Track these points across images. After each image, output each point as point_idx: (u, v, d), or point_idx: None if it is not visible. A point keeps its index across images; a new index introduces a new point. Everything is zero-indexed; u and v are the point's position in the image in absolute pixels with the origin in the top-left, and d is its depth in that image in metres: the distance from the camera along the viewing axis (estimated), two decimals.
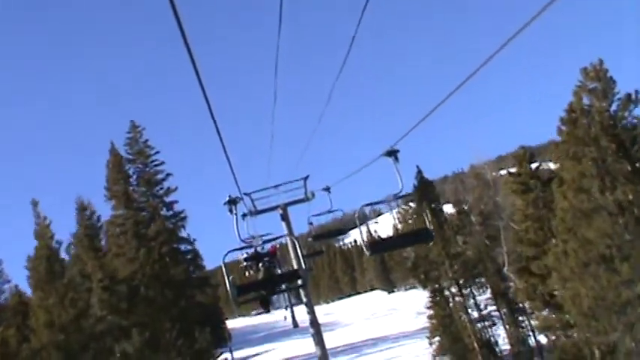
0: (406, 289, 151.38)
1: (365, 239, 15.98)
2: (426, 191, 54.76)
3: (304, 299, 21.28)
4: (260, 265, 19.79)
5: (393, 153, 13.19)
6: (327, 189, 25.91)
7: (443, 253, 50.46)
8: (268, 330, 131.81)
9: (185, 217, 57.37)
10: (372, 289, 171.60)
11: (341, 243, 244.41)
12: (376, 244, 16.22)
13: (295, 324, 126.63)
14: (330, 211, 27.38)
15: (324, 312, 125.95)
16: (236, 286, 13.57)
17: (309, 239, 34.55)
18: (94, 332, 28.82)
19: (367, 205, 14.94)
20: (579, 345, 28.77)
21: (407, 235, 22.24)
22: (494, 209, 55.00)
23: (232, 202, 15.61)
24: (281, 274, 18.48)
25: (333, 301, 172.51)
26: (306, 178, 24.50)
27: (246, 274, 20.74)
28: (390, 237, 28.30)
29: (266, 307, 26.15)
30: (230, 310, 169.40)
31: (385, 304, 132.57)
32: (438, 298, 51.89)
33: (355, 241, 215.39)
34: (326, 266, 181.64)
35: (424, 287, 55.08)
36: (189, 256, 58.09)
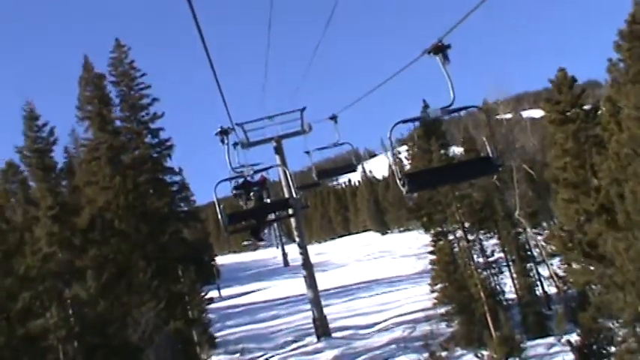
0: (400, 231, 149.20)
1: (399, 172, 10.14)
2: (432, 127, 49.70)
3: (296, 237, 22.06)
4: (250, 194, 19.42)
5: (441, 49, 9.35)
6: (334, 118, 24.54)
7: (450, 195, 45.60)
8: (259, 268, 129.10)
9: (171, 146, 52.26)
10: (365, 230, 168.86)
11: (334, 182, 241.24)
12: (418, 178, 10.73)
13: (286, 262, 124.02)
14: (336, 144, 25.95)
15: (316, 252, 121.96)
16: (227, 215, 13.52)
17: (314, 176, 31.44)
18: (27, 275, 23.60)
19: (403, 121, 10.32)
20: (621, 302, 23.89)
21: (463, 164, 17.31)
22: (506, 149, 50.07)
23: (224, 132, 15.12)
24: (272, 202, 18.72)
25: (325, 241, 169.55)
26: (302, 110, 25.05)
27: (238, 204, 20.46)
28: (439, 167, 20.05)
29: (257, 236, 26.34)
30: (220, 247, 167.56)
31: (378, 246, 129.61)
32: (441, 243, 47.25)
33: (349, 181, 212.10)
34: (319, 205, 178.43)
35: (426, 230, 50.41)
36: (174, 188, 53.06)
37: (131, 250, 34.30)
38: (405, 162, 60.87)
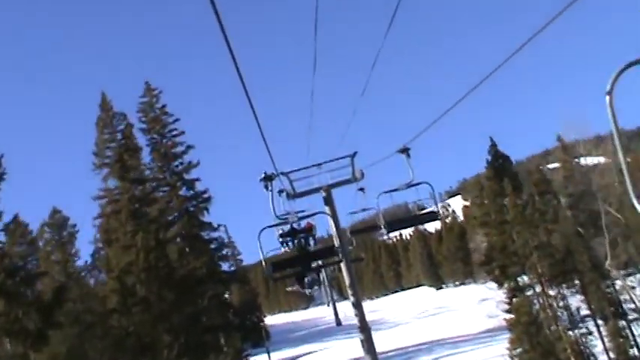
0: (456, 286, 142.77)
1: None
2: (501, 168, 43.45)
3: (349, 295, 19.66)
4: (296, 242, 18.90)
5: (405, 151, 16.11)
6: (405, 151, 20.84)
7: (530, 244, 38.80)
8: (310, 328, 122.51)
9: (209, 198, 46.57)
10: (418, 285, 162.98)
11: (385, 237, 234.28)
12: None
13: (338, 321, 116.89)
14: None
15: (369, 309, 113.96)
16: (271, 263, 14.57)
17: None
18: None
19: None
20: None
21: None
22: (588, 191, 43.14)
23: (268, 178, 15.50)
24: (317, 249, 18.50)
25: (377, 297, 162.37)
26: (353, 156, 21.36)
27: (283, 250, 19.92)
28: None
29: (301, 284, 24.52)
30: (270, 307, 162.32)
31: (434, 302, 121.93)
32: (519, 299, 40.33)
33: (401, 235, 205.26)
34: (370, 261, 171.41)
35: (500, 285, 43.55)
36: (213, 246, 46.95)
37: (153, 322, 28.13)
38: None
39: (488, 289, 52.13)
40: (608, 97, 5.75)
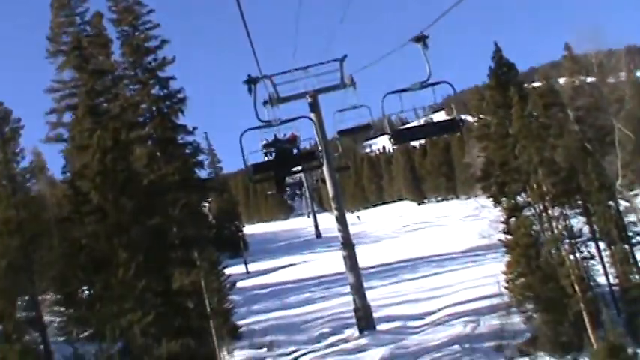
0: (438, 201, 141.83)
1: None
2: (505, 77, 39.21)
3: (332, 207, 22.15)
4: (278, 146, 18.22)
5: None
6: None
7: (534, 160, 34.92)
8: (290, 239, 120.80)
9: (184, 99, 41.88)
10: (400, 200, 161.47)
11: (368, 150, 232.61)
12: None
13: (318, 233, 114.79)
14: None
15: (350, 222, 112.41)
16: (252, 165, 14.42)
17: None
18: None
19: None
20: None
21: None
22: (599, 102, 39.11)
23: (252, 81, 15.51)
24: (297, 154, 17.84)
25: (358, 210, 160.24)
26: (343, 59, 22.58)
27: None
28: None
29: (281, 188, 28.09)
30: (250, 216, 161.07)
31: (416, 216, 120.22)
32: (518, 219, 36.77)
33: (384, 148, 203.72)
34: (352, 174, 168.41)
35: (497, 203, 39.94)
36: (188, 151, 42.77)
37: (108, 235, 24.21)
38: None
39: (481, 206, 48.52)
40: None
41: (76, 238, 23.76)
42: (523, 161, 35.51)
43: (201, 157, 45.54)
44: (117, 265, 23.26)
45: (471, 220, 73.31)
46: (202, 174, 47.94)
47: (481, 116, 41.82)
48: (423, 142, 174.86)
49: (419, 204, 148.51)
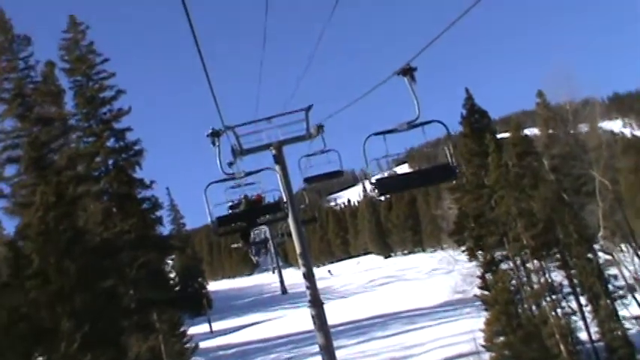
0: (404, 254, 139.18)
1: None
2: (480, 122, 37.57)
3: (299, 262, 16.54)
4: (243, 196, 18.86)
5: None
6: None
7: (513, 212, 32.99)
8: (255, 295, 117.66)
9: (141, 151, 39.50)
10: (366, 253, 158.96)
11: (333, 203, 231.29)
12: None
13: (284, 290, 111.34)
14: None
15: (319, 276, 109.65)
16: (217, 217, 12.82)
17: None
18: None
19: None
20: None
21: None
22: (575, 151, 37.49)
23: (216, 134, 13.67)
24: (264, 205, 18.24)
25: (324, 264, 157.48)
26: (308, 109, 17.50)
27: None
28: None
29: (246, 240, 27.24)
30: (214, 272, 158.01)
31: (383, 270, 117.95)
32: (496, 274, 34.69)
33: (349, 201, 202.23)
34: (317, 228, 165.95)
35: (471, 257, 37.90)
36: (145, 206, 40.04)
37: (50, 302, 21.39)
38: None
39: (453, 260, 46.44)
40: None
41: (15, 305, 20.91)
42: (501, 213, 33.58)
43: (161, 213, 42.81)
44: (60, 336, 20.45)
45: (441, 273, 71.25)
46: (164, 230, 45.16)
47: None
48: (388, 195, 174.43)
49: (385, 257, 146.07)
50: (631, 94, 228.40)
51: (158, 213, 41.05)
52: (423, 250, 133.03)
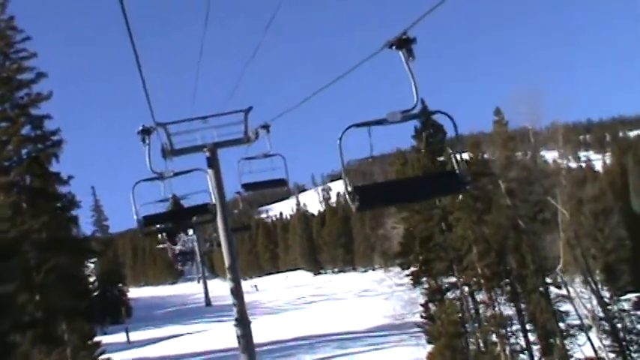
0: (334, 272, 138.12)
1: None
2: (434, 137, 34.77)
3: (228, 280, 15.99)
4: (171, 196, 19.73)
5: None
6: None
7: (470, 236, 30.16)
8: (177, 305, 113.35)
9: (60, 142, 35.45)
10: (295, 269, 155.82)
11: (264, 215, 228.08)
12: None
13: (208, 302, 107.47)
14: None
15: (244, 290, 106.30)
16: (143, 217, 13.54)
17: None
18: None
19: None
20: None
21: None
22: (534, 175, 34.97)
23: (146, 131, 13.71)
24: (191, 206, 16.87)
25: (251, 278, 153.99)
26: (247, 111, 17.07)
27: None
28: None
29: (172, 239, 29.78)
30: (136, 278, 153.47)
31: (312, 288, 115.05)
32: (443, 304, 31.78)
33: (281, 214, 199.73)
34: (246, 239, 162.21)
35: (416, 282, 34.99)
36: (59, 204, 35.94)
37: None
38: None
39: (394, 284, 43.49)
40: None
41: None
42: (456, 237, 30.70)
43: (79, 212, 38.83)
44: None
45: (373, 295, 68.71)
46: (85, 231, 41.29)
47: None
48: (321, 209, 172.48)
49: (315, 274, 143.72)
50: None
51: (74, 212, 37.06)
52: (354, 269, 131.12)
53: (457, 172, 8.30)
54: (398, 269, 40.88)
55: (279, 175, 28.20)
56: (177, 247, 48.36)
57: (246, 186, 28.25)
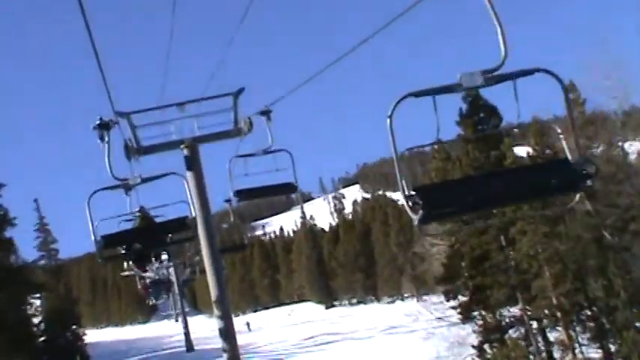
0: (352, 304, 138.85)
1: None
2: (485, 124, 33.65)
3: (216, 318, 16.51)
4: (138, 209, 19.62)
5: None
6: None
7: (539, 253, 29.00)
8: (149, 352, 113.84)
9: None
10: (301, 300, 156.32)
11: (259, 232, 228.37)
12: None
13: (190, 346, 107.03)
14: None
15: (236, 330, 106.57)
16: (102, 236, 13.31)
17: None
18: None
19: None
20: None
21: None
22: (625, 171, 33.78)
23: (105, 126, 13.98)
24: (164, 222, 16.77)
25: (244, 313, 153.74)
26: (238, 94, 17.02)
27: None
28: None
29: (141, 265, 28.74)
30: (96, 318, 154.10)
31: (324, 325, 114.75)
32: (502, 344, 30.69)
33: (282, 230, 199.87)
34: (237, 263, 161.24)
35: (465, 316, 33.98)
36: None
37: None
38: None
39: (435, 317, 42.63)
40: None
41: None
42: (521, 255, 29.49)
43: (15, 233, 37.92)
44: None
45: (404, 332, 68.14)
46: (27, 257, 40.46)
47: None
48: (333, 222, 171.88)
49: (327, 307, 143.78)
50: None
51: (8, 232, 36.23)
52: (377, 300, 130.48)
53: (570, 160, 7.71)
54: (436, 298, 39.90)
55: (285, 178, 26.88)
56: (148, 276, 47.66)
57: (241, 193, 27.01)
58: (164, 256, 43.01)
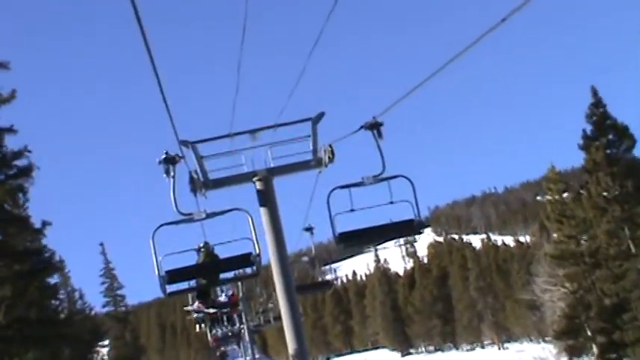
0: (429, 352, 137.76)
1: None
2: (615, 147, 28.17)
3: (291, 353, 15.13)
4: (202, 245, 20.55)
5: (375, 126, 14.15)
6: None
7: None
8: None
9: (29, 170, 30.14)
10: (375, 347, 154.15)
11: (330, 276, 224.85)
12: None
13: None
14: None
15: None
16: (167, 272, 13.60)
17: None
18: None
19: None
20: None
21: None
22: None
23: (171, 160, 14.03)
24: (228, 258, 16.46)
25: None
26: (317, 120, 15.92)
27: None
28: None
29: (205, 301, 27.76)
30: None
31: None
32: None
33: (354, 274, 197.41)
34: (309, 309, 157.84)
35: None
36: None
37: None
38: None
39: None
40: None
41: None
42: None
43: (89, 280, 33.49)
44: None
45: None
46: (93, 303, 36.37)
47: (565, 218, 30.45)
48: (406, 267, 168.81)
49: (403, 354, 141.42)
50: None
51: (52, 278, 31.67)
52: (456, 347, 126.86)
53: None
54: (519, 346, 34.76)
55: (405, 215, 21.29)
56: (216, 330, 44.50)
57: (348, 238, 21.19)
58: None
